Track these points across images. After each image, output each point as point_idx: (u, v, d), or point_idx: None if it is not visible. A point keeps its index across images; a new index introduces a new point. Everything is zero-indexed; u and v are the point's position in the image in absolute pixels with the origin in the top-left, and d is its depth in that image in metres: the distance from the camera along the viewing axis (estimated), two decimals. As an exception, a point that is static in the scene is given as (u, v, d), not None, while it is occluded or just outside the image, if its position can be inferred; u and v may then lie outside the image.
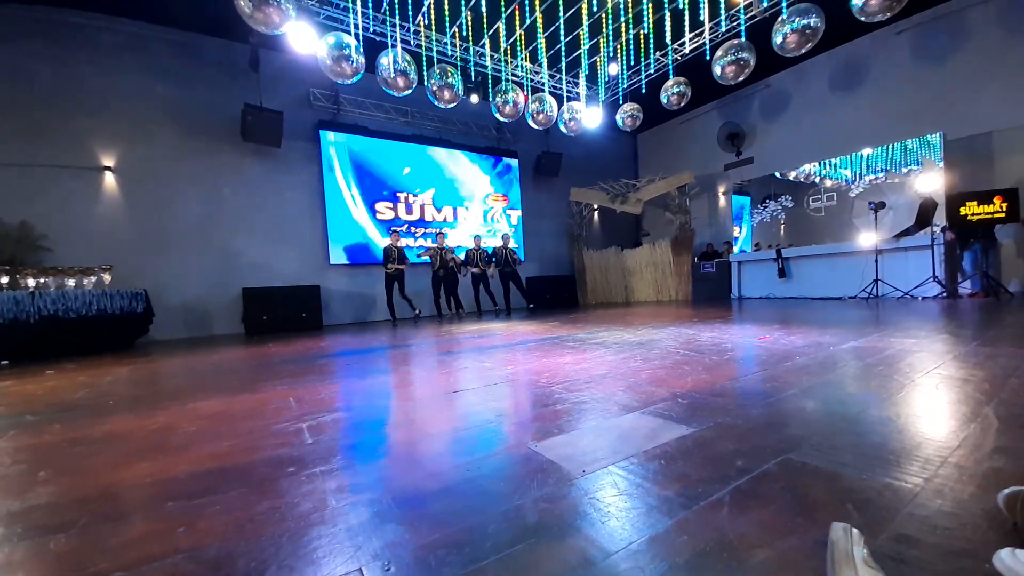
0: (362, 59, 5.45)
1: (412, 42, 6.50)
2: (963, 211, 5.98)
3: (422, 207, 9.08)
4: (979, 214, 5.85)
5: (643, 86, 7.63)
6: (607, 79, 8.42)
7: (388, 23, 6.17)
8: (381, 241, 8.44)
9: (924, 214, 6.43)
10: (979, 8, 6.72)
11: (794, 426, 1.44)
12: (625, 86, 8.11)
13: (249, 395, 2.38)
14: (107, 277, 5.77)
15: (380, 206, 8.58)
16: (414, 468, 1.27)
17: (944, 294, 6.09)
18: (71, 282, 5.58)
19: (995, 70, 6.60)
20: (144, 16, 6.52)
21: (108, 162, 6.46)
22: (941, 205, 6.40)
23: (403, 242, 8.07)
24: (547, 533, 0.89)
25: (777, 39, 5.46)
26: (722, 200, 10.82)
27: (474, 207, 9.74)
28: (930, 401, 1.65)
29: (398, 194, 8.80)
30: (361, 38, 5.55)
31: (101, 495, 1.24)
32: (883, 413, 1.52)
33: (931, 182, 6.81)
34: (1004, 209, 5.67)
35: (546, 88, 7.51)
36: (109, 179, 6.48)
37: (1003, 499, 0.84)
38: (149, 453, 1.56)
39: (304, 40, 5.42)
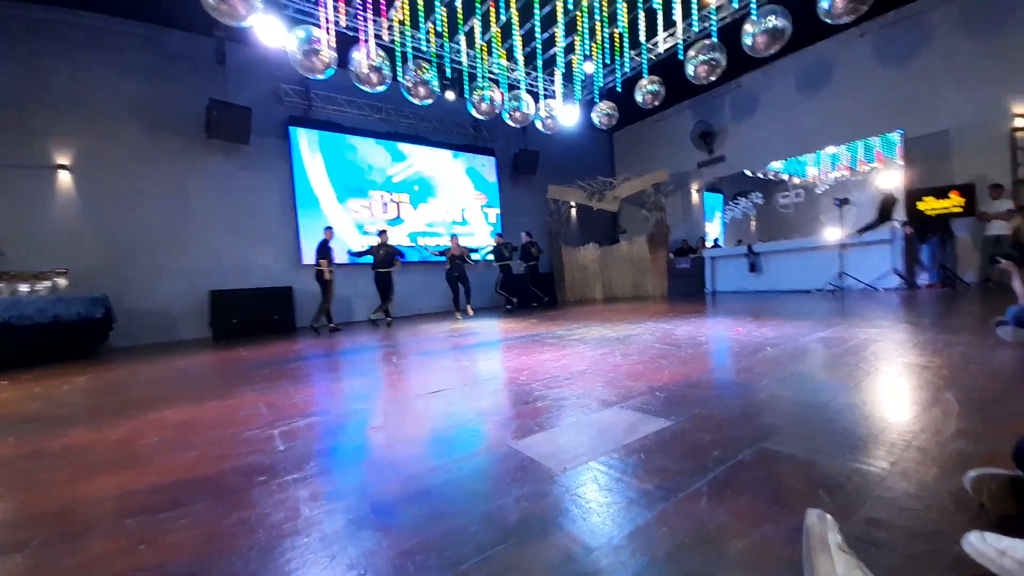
0: (333, 54, 5.32)
1: (385, 37, 6.37)
2: (921, 206, 6.27)
3: (398, 205, 8.95)
4: (936, 209, 6.14)
5: (618, 85, 7.69)
6: (583, 78, 8.46)
7: (360, 17, 6.04)
8: (356, 240, 8.29)
9: (885, 209, 6.70)
10: (939, 10, 7.03)
11: (768, 415, 1.47)
12: (600, 85, 8.16)
13: (218, 402, 2.30)
14: (62, 281, 5.48)
15: (355, 204, 8.42)
16: (392, 472, 1.24)
17: (904, 285, 6.36)
18: (24, 287, 5.27)
19: (953, 70, 6.92)
20: (105, 9, 6.19)
21: (64, 160, 6.12)
22: (901, 201, 6.69)
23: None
24: (529, 532, 0.88)
25: (747, 40, 5.58)
26: (695, 197, 11.03)
27: (452, 205, 9.66)
28: (894, 388, 1.72)
29: (373, 192, 8.65)
30: (332, 32, 5.41)
31: (59, 511, 1.18)
32: (850, 400, 1.57)
33: (891, 179, 7.10)
34: (960, 204, 5.96)
35: (522, 86, 7.50)
36: (65, 178, 6.14)
37: (970, 481, 0.87)
38: (110, 466, 1.48)
39: (272, 34, 5.25)
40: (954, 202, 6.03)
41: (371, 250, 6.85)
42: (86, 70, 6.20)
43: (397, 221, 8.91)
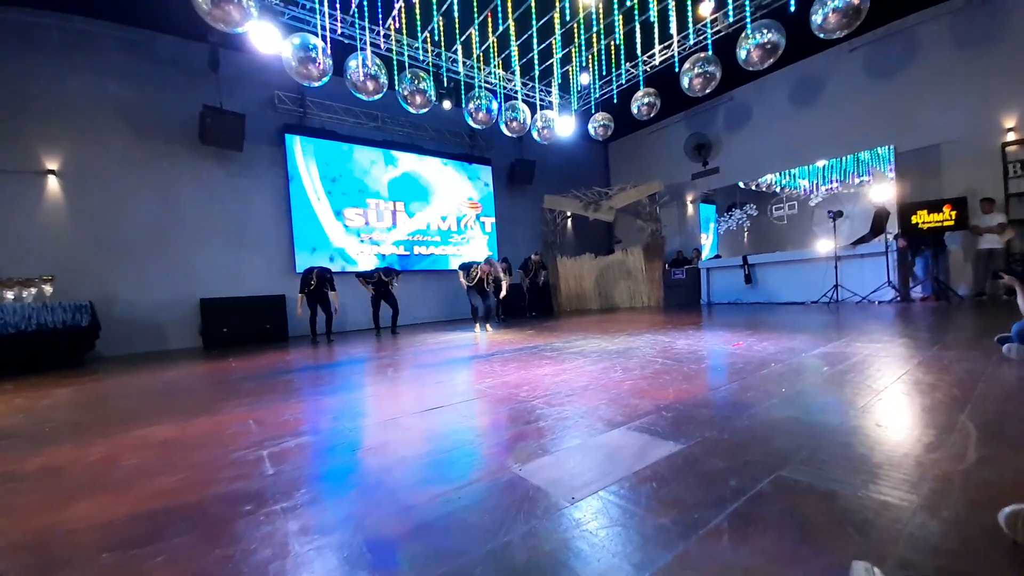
0: (329, 61, 5.28)
1: (382, 46, 6.36)
2: (914, 219, 6.31)
3: (393, 214, 8.89)
4: (929, 222, 6.19)
5: (614, 96, 7.74)
6: (579, 88, 8.51)
7: (357, 26, 6.02)
8: (351, 247, 8.24)
9: (878, 222, 6.75)
10: (928, 25, 7.16)
11: (780, 439, 1.42)
12: (597, 96, 8.21)
13: (204, 418, 2.20)
14: (48, 288, 5.34)
15: (350, 212, 8.34)
16: (387, 501, 1.16)
17: (898, 298, 6.38)
18: (9, 294, 5.13)
19: (943, 85, 7.03)
20: (95, 13, 6.13)
21: (52, 165, 6.00)
22: (893, 214, 6.74)
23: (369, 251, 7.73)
24: (538, 575, 0.81)
25: (742, 53, 5.63)
26: (690, 208, 11.09)
27: (447, 214, 9.61)
28: (906, 409, 1.67)
29: (369, 200, 8.58)
30: (328, 40, 5.38)
31: (32, 542, 1.09)
32: (863, 423, 1.52)
33: (884, 192, 7.17)
34: (953, 217, 6.01)
35: (519, 96, 7.52)
36: (53, 183, 6.02)
37: (1004, 518, 0.83)
38: (87, 491, 1.39)
39: (267, 40, 5.20)
40: (947, 216, 6.07)
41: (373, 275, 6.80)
42: (75, 75, 6.11)
43: (392, 229, 8.85)
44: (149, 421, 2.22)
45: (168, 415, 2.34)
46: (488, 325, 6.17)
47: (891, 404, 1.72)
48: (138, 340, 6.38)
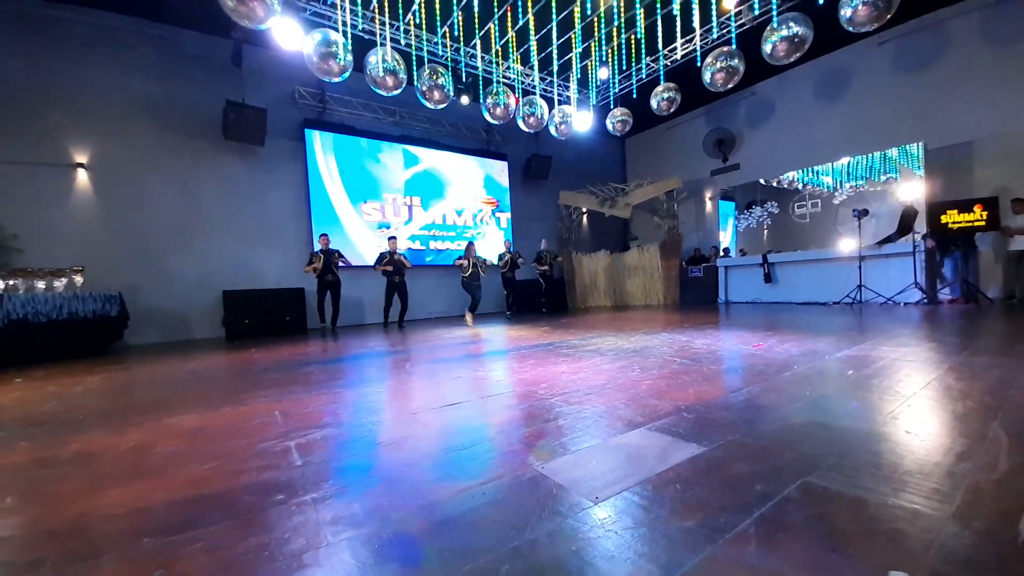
0: (350, 57, 5.33)
1: (402, 41, 6.39)
2: (944, 219, 6.12)
3: (410, 208, 8.96)
4: (960, 222, 6.00)
5: (634, 91, 7.64)
6: (598, 83, 8.42)
7: (377, 21, 6.05)
8: (369, 241, 8.32)
9: (906, 222, 6.56)
10: (960, 19, 6.90)
11: (807, 444, 1.40)
12: (616, 91, 8.12)
13: (231, 408, 2.26)
14: (78, 279, 5.52)
15: (367, 207, 8.43)
16: (412, 495, 1.18)
17: (925, 300, 6.21)
18: (41, 284, 5.32)
19: (975, 80, 6.78)
20: (121, 8, 6.28)
21: (81, 159, 6.19)
22: (922, 213, 6.54)
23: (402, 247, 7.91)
24: (566, 574, 0.82)
25: (767, 47, 5.51)
26: (709, 205, 10.92)
27: (464, 209, 9.65)
28: (936, 416, 1.63)
29: (386, 195, 8.66)
30: (349, 36, 5.43)
31: (71, 528, 1.14)
32: (891, 429, 1.49)
33: (912, 190, 6.96)
34: (984, 217, 5.81)
35: (537, 91, 7.48)
36: (82, 176, 6.21)
37: None
38: (122, 477, 1.45)
39: (289, 36, 5.27)
40: (978, 216, 5.87)
41: (385, 259, 6.91)
42: (102, 69, 6.28)
43: (408, 223, 8.92)
44: (178, 410, 2.29)
45: (195, 404, 2.41)
46: (508, 313, 6.45)
47: (920, 410, 1.68)
48: (164, 330, 6.57)
